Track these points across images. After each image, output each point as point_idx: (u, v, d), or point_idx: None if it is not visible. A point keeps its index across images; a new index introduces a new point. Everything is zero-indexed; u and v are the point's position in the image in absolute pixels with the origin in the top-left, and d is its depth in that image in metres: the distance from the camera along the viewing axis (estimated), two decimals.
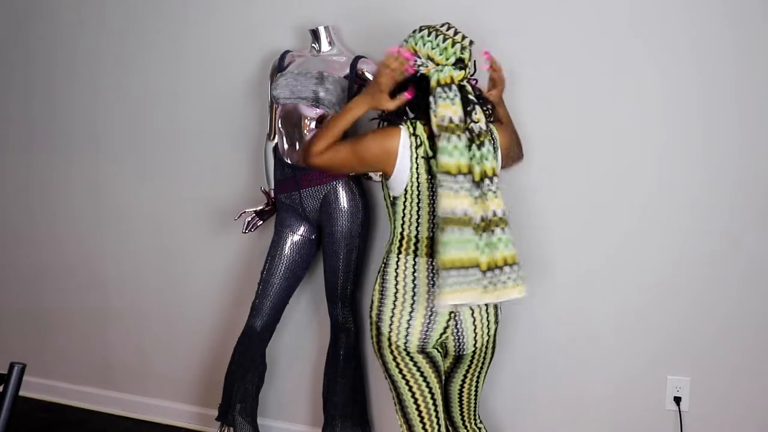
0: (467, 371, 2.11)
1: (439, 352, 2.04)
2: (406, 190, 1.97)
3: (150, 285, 3.22)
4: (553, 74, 2.43)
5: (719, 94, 2.27)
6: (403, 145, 1.94)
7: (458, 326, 1.98)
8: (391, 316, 1.97)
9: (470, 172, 1.88)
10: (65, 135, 3.32)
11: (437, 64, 1.95)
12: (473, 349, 2.04)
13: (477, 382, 2.15)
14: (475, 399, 2.18)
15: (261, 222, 2.74)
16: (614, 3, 2.35)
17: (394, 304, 1.97)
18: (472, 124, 1.92)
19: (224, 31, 2.93)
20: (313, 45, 2.63)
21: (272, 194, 2.73)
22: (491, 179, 1.90)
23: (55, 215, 3.40)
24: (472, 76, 2.01)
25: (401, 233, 1.99)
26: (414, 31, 2.00)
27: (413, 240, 1.97)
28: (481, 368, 2.12)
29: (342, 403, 2.67)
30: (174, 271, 3.16)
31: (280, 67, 2.66)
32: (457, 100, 1.91)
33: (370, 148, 1.96)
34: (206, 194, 3.04)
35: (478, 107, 1.94)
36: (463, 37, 1.97)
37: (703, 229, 2.32)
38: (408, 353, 1.98)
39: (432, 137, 1.93)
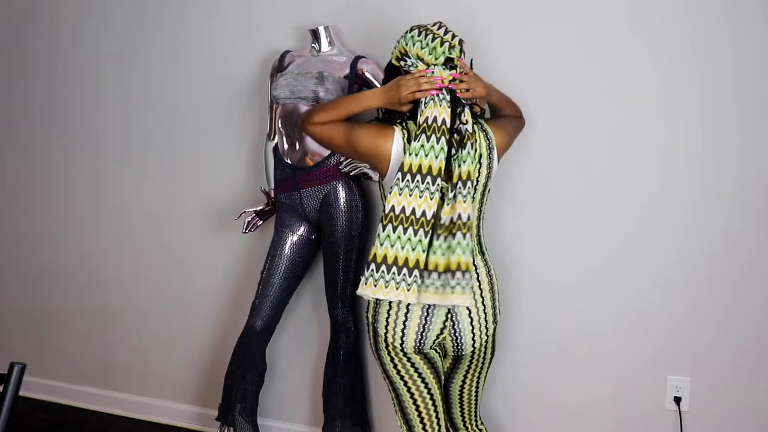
0: (467, 372, 2.11)
1: (437, 352, 2.03)
2: None
3: (150, 285, 3.22)
4: (553, 74, 2.43)
5: (719, 94, 2.27)
6: (397, 147, 1.95)
7: (455, 326, 1.98)
8: (387, 317, 1.97)
9: (440, 174, 1.89)
10: (65, 135, 3.32)
11: (427, 65, 1.95)
12: (472, 349, 2.04)
13: (477, 382, 2.14)
14: (476, 400, 2.18)
15: (261, 222, 2.74)
16: (614, 3, 2.35)
17: (390, 305, 1.96)
18: (460, 125, 1.92)
19: (224, 31, 2.93)
20: (313, 45, 2.63)
21: (272, 194, 2.73)
22: (464, 183, 1.90)
23: (55, 215, 3.40)
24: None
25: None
26: (406, 32, 2.01)
27: None
28: (481, 369, 2.12)
29: (342, 403, 2.67)
30: (174, 271, 3.16)
31: (280, 67, 2.66)
32: (445, 102, 1.92)
33: (363, 140, 1.97)
34: (206, 194, 3.04)
35: (467, 108, 1.95)
36: (453, 36, 1.96)
37: (703, 229, 2.32)
38: (405, 354, 1.98)
39: None
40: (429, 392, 2.02)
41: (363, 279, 1.89)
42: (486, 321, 2.03)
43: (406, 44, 1.98)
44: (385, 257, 1.86)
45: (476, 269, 2.01)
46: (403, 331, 1.96)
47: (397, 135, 1.95)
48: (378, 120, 2.07)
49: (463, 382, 2.13)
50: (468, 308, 1.98)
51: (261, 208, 2.73)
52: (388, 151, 1.95)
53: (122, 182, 3.23)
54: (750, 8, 2.21)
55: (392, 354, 1.99)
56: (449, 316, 1.97)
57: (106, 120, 3.23)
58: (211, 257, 3.06)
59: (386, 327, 1.97)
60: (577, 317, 2.49)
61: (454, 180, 1.90)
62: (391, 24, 2.54)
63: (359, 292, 1.90)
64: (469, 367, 2.09)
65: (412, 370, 2.00)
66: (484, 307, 2.02)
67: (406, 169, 1.88)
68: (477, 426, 2.21)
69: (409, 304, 1.94)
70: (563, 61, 2.42)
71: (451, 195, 1.90)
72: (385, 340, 1.98)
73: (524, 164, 2.48)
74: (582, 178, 2.45)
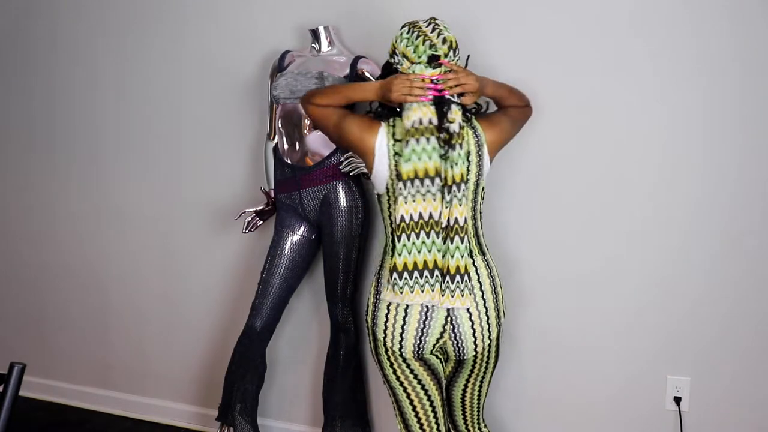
0: (469, 376, 2.09)
1: (438, 357, 2.02)
2: (387, 188, 1.98)
3: (150, 285, 3.22)
4: (552, 74, 2.43)
5: (719, 94, 2.26)
6: (380, 144, 1.95)
7: (456, 330, 1.97)
8: (386, 321, 1.96)
9: (438, 174, 1.90)
10: (65, 135, 3.32)
11: (411, 62, 1.96)
12: (474, 353, 2.02)
13: (480, 387, 2.13)
14: (479, 404, 2.16)
15: (261, 222, 2.74)
16: (614, 3, 2.35)
17: (388, 309, 1.96)
18: (447, 124, 1.92)
19: (224, 31, 2.93)
20: (313, 45, 2.63)
21: (272, 194, 2.73)
22: (458, 186, 1.90)
23: (55, 215, 3.40)
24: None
25: (391, 232, 2.00)
26: (400, 28, 2.02)
27: None
28: (484, 375, 2.10)
29: (342, 403, 2.67)
30: (174, 271, 3.16)
31: (280, 67, 2.66)
32: (428, 103, 1.92)
33: (350, 130, 2.00)
34: (206, 194, 3.04)
35: (454, 106, 1.93)
36: (440, 34, 1.95)
37: (703, 229, 2.32)
38: (404, 359, 1.97)
39: None
40: (429, 399, 2.01)
41: (388, 286, 1.92)
42: (488, 324, 2.01)
43: (396, 41, 2.00)
44: (405, 265, 1.89)
45: (476, 270, 2.00)
46: (401, 335, 1.95)
47: (382, 132, 1.97)
48: (371, 112, 2.08)
49: (465, 386, 2.11)
50: (468, 310, 1.97)
51: (261, 208, 2.73)
52: (371, 145, 1.97)
53: (122, 182, 3.23)
54: (750, 8, 2.21)
55: (392, 360, 1.98)
56: (449, 319, 1.96)
57: (106, 120, 3.23)
58: (211, 257, 3.06)
59: (385, 331, 1.97)
60: (577, 317, 2.49)
61: (449, 182, 1.90)
62: (391, 24, 2.52)
63: (383, 296, 1.96)
64: (471, 372, 2.08)
65: (411, 377, 1.99)
66: (486, 309, 2.00)
67: (405, 177, 1.89)
68: (480, 429, 2.20)
69: (407, 307, 1.94)
70: (563, 62, 2.42)
71: (448, 198, 1.90)
72: (384, 345, 1.97)
73: (524, 164, 2.48)
74: (582, 178, 2.44)
